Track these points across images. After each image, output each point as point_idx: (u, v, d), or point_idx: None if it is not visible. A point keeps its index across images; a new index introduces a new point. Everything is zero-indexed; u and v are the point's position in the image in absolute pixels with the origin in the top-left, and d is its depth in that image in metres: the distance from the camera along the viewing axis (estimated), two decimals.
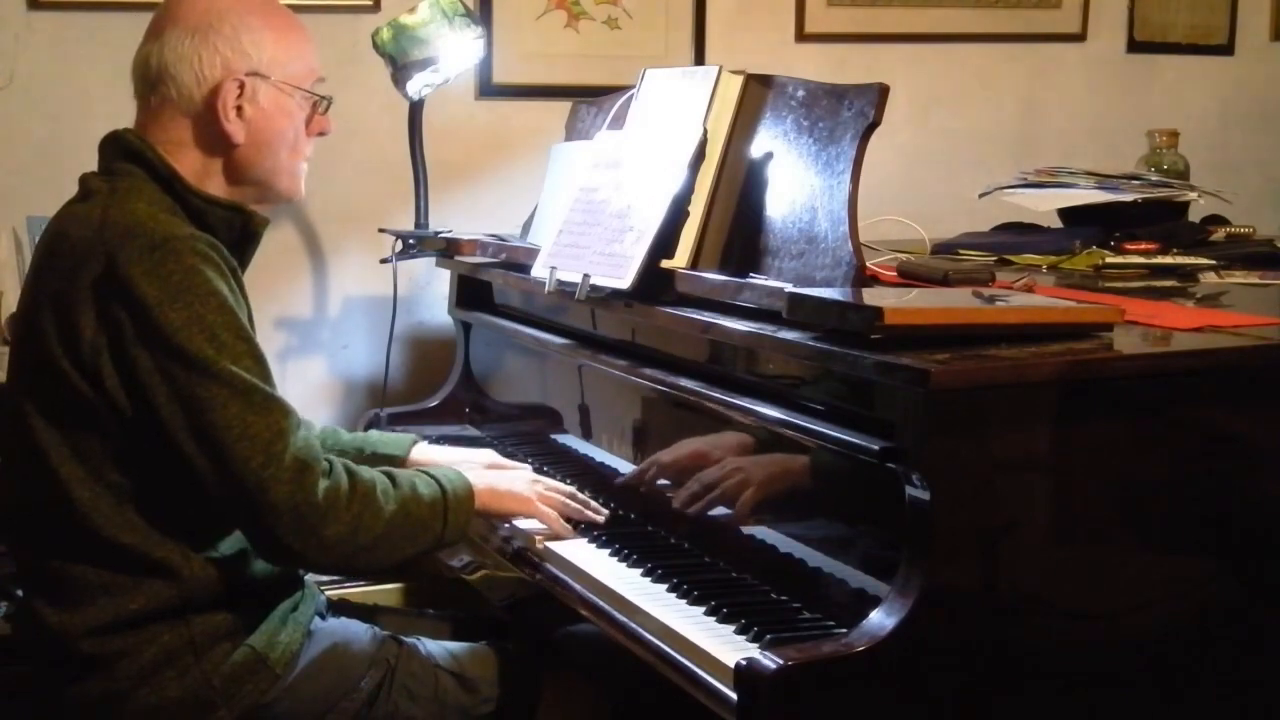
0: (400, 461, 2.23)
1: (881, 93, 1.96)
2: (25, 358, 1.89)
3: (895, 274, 2.20)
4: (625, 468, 2.29)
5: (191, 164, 1.94)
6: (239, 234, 1.97)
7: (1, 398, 1.95)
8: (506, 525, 2.20)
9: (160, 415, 1.77)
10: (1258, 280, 2.55)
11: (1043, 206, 2.99)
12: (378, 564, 1.91)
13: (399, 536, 1.88)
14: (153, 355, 1.77)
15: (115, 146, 1.95)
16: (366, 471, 1.89)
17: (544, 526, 2.14)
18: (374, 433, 2.36)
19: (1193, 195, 3.01)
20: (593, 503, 2.19)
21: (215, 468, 1.77)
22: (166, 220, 1.84)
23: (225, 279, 1.83)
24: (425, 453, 2.29)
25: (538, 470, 2.32)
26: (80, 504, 1.82)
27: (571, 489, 2.21)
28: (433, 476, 1.97)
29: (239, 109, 1.93)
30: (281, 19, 2.00)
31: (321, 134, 2.06)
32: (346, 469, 1.86)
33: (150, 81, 1.95)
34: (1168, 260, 2.61)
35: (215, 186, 1.96)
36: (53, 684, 1.90)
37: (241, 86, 1.93)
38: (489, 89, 3.34)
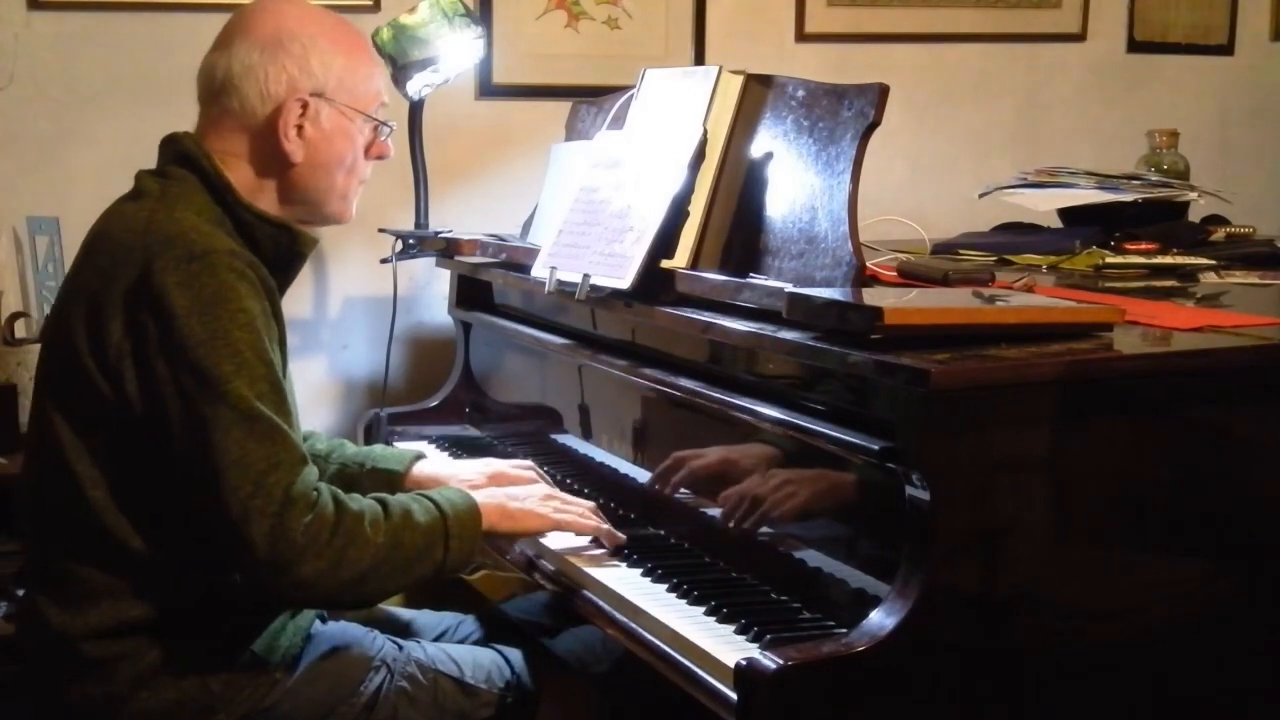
0: (399, 476, 2.18)
1: (881, 93, 1.96)
2: (53, 354, 1.88)
3: (895, 274, 2.20)
4: (625, 468, 2.29)
5: (245, 177, 1.93)
6: (285, 253, 1.96)
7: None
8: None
9: (169, 427, 1.75)
10: (1258, 280, 2.55)
11: (1043, 206, 2.99)
12: (369, 597, 1.85)
13: (390, 568, 1.80)
14: (170, 365, 1.74)
15: (172, 149, 1.93)
16: (356, 502, 1.81)
17: (573, 544, 2.06)
18: (377, 447, 2.31)
19: (1193, 195, 3.01)
20: (610, 525, 2.08)
21: (204, 488, 1.73)
22: (210, 232, 1.82)
23: (259, 299, 1.81)
24: (426, 467, 2.22)
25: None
26: (93, 504, 1.81)
27: (591, 504, 2.10)
28: (432, 500, 1.89)
29: (299, 128, 1.92)
30: (352, 42, 1.98)
31: (380, 158, 2.04)
32: (335, 500, 1.78)
33: (214, 90, 1.93)
34: (1168, 260, 2.61)
35: (266, 202, 1.95)
36: (51, 685, 1.90)
37: (305, 106, 1.92)
38: (489, 89, 3.34)
